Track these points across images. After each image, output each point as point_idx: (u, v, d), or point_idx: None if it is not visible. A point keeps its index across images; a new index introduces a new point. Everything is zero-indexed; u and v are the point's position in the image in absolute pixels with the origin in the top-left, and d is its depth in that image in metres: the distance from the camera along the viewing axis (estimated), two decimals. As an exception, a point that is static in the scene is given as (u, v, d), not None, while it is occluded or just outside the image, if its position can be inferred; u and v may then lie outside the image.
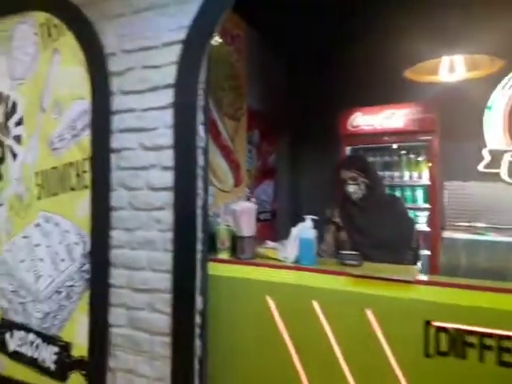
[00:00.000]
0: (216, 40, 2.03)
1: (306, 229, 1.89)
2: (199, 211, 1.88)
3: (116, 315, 2.05)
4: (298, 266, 1.88)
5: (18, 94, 2.39)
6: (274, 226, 3.96)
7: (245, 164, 3.18)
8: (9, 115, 2.43)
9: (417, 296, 1.64)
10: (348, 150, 3.73)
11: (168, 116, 1.92)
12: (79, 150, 2.16)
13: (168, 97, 1.92)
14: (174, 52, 1.89)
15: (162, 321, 1.92)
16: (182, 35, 1.86)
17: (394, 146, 3.78)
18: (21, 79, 2.38)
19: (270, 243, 2.20)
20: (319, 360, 1.78)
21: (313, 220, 1.92)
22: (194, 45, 1.84)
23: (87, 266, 2.13)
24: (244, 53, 2.86)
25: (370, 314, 1.70)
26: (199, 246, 1.88)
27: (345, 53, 3.68)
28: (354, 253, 1.91)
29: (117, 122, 2.06)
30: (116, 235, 2.05)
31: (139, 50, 2.00)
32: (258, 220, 3.77)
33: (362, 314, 1.70)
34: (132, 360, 2.00)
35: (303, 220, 1.95)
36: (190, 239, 1.87)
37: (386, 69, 3.60)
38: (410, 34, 3.17)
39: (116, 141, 2.06)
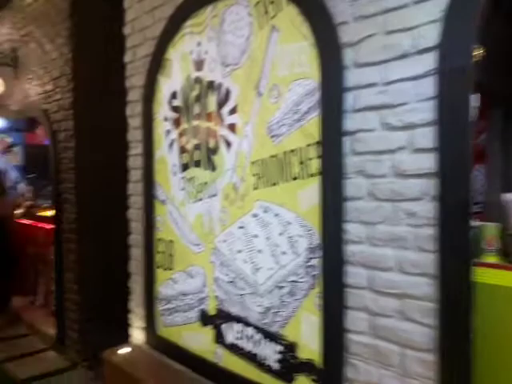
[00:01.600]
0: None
1: None
2: (471, 204, 1.51)
3: (354, 320, 1.81)
4: None
5: (231, 81, 2.30)
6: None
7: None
8: (222, 104, 2.37)
9: None
10: None
11: (425, 87, 1.57)
12: (303, 135, 1.96)
13: (425, 63, 1.57)
14: (435, 6, 1.53)
15: (420, 334, 1.61)
16: (449, -18, 1.48)
17: None
18: (234, 64, 2.28)
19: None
20: None
21: None
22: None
23: (314, 262, 1.94)
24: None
25: None
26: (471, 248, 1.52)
27: None
28: None
29: (351, 100, 1.79)
30: (352, 229, 1.81)
31: (381, 14, 1.68)
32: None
33: None
34: (376, 373, 1.74)
35: None
36: (462, 239, 1.51)
37: None
38: None
39: (350, 122, 1.79)
